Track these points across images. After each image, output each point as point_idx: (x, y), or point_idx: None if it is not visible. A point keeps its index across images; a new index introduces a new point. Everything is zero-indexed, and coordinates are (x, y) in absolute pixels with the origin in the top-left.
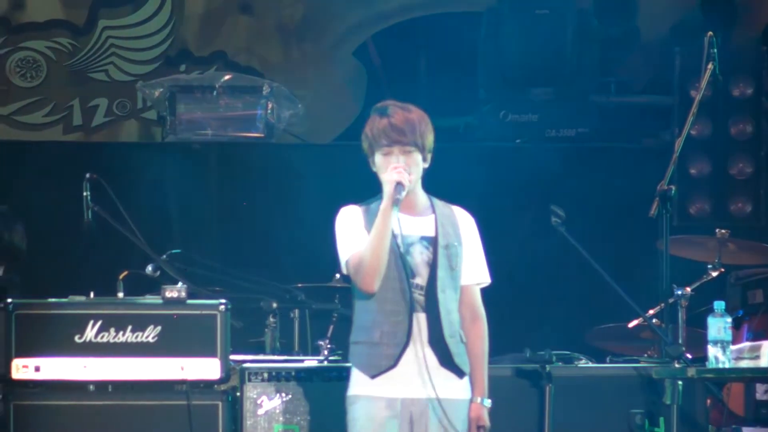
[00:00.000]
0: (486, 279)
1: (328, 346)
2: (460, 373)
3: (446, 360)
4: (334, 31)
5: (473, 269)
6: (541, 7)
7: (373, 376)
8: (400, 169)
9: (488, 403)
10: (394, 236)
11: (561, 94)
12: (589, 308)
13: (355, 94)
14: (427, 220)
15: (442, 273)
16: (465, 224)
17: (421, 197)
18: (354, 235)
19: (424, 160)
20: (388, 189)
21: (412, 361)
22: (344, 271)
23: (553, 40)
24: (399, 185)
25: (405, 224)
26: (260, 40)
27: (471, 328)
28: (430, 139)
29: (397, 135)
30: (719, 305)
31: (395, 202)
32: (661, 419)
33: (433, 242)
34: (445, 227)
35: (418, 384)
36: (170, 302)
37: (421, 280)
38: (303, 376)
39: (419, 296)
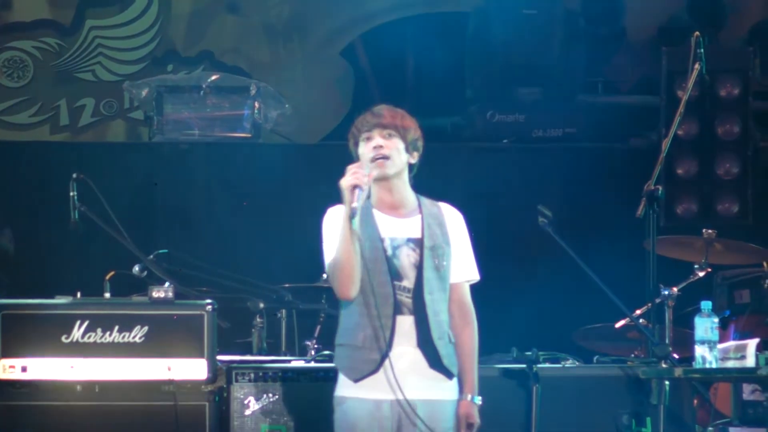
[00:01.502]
0: (475, 276)
1: (315, 346)
2: (449, 375)
3: (435, 362)
4: (322, 30)
5: (462, 266)
6: (528, 7)
7: (356, 380)
8: (356, 170)
9: (478, 400)
10: (381, 239)
11: (548, 94)
12: (576, 308)
13: (343, 94)
14: (413, 221)
15: (428, 274)
16: (452, 222)
17: (409, 197)
18: (335, 239)
19: (407, 151)
20: (345, 195)
21: (396, 363)
22: (326, 273)
23: (540, 40)
24: (357, 188)
25: (392, 226)
26: (247, 39)
27: (461, 326)
28: (412, 135)
29: (377, 118)
30: (706, 305)
31: (353, 213)
32: (648, 419)
33: (419, 244)
34: (431, 228)
35: (406, 386)
36: (157, 302)
37: (408, 282)
38: (290, 377)
39: (405, 299)
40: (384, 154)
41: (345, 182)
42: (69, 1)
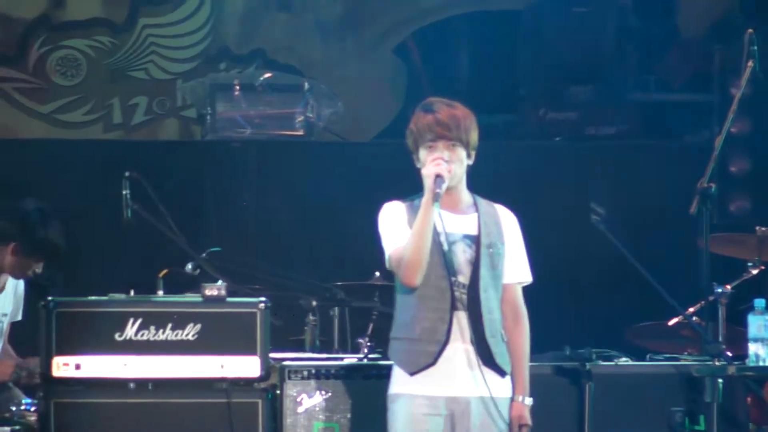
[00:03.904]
0: (528, 278)
1: (368, 343)
2: (501, 373)
3: (488, 359)
4: (374, 28)
5: (515, 268)
6: (580, 5)
7: (411, 373)
8: (439, 161)
9: (529, 401)
10: (437, 233)
11: (600, 91)
12: (629, 306)
13: (395, 92)
14: (470, 219)
15: (484, 272)
16: (508, 223)
17: (465, 195)
18: (396, 231)
19: (468, 156)
20: (428, 183)
21: (452, 359)
22: (387, 266)
23: (592, 38)
24: (439, 178)
25: (448, 222)
26: (299, 37)
27: (513, 327)
28: (474, 136)
29: (442, 130)
30: (759, 303)
31: (436, 196)
32: (702, 417)
33: (475, 241)
34: (488, 226)
35: (460, 382)
36: (210, 300)
37: (463, 278)
38: (343, 374)
39: (461, 295)
40: (449, 170)
41: (428, 171)
42: (122, 0)
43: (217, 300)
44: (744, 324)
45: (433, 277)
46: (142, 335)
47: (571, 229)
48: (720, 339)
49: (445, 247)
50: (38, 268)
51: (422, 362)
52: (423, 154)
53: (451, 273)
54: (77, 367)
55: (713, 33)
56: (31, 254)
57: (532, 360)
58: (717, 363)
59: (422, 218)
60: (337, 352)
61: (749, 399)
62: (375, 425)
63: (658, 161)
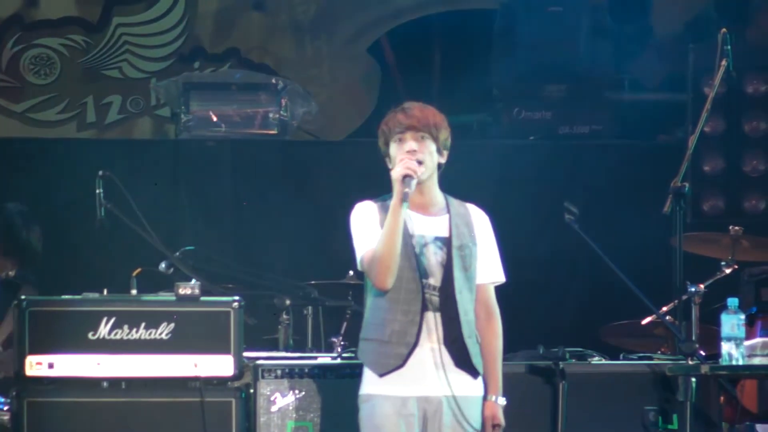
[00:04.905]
0: (500, 278)
1: (342, 342)
2: (475, 373)
3: (463, 360)
4: (348, 27)
5: (488, 268)
6: (554, 4)
7: (381, 375)
8: (406, 160)
9: (502, 401)
10: (409, 236)
11: (574, 91)
12: (603, 305)
13: (369, 91)
14: (441, 220)
15: (457, 274)
16: (480, 223)
17: (437, 196)
18: (368, 232)
19: (439, 153)
20: (396, 185)
21: (422, 360)
22: (359, 268)
23: (566, 37)
24: (407, 178)
25: (419, 224)
26: (273, 37)
27: (486, 327)
28: (444, 134)
29: (411, 121)
30: (733, 302)
31: (404, 196)
32: (675, 416)
33: (446, 243)
34: (459, 227)
35: (431, 382)
36: (184, 299)
37: (434, 280)
38: (316, 373)
39: (432, 296)
40: (418, 159)
41: (396, 173)
42: None
43: (190, 299)
44: (717, 323)
45: (405, 280)
46: (116, 334)
47: (545, 228)
48: (693, 338)
49: (417, 249)
50: (12, 270)
51: (391, 364)
52: (393, 147)
53: (422, 275)
54: (50, 366)
55: (687, 32)
56: (10, 256)
57: (505, 359)
58: (690, 362)
59: (391, 220)
60: (311, 351)
61: (722, 398)
62: (348, 424)
63: (631, 160)
